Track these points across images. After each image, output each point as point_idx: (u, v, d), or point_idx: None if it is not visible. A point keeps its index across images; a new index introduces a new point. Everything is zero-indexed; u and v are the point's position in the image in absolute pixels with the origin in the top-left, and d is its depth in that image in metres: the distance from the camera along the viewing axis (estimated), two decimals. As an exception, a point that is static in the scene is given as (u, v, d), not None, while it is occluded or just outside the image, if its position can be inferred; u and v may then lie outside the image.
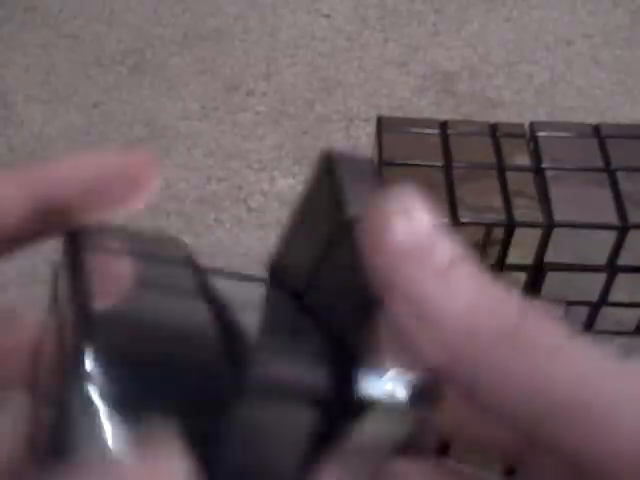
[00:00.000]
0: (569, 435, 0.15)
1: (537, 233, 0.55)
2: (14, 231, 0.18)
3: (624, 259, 0.56)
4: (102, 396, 0.16)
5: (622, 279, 0.57)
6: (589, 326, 0.60)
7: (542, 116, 0.74)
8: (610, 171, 0.57)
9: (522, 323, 0.16)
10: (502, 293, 0.16)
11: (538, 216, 0.55)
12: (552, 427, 0.15)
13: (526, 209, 0.55)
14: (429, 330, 0.16)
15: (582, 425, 0.15)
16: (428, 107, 0.75)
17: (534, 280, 0.57)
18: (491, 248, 0.56)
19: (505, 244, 0.55)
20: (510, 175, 0.57)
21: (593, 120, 0.63)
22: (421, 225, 0.17)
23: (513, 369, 0.15)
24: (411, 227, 0.17)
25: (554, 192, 0.56)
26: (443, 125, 0.60)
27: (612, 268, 0.56)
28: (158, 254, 0.19)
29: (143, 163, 0.19)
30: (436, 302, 0.16)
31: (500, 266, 0.57)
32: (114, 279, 0.17)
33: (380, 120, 0.60)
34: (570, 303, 0.53)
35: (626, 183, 0.57)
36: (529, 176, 0.57)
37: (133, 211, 0.19)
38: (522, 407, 0.16)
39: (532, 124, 0.61)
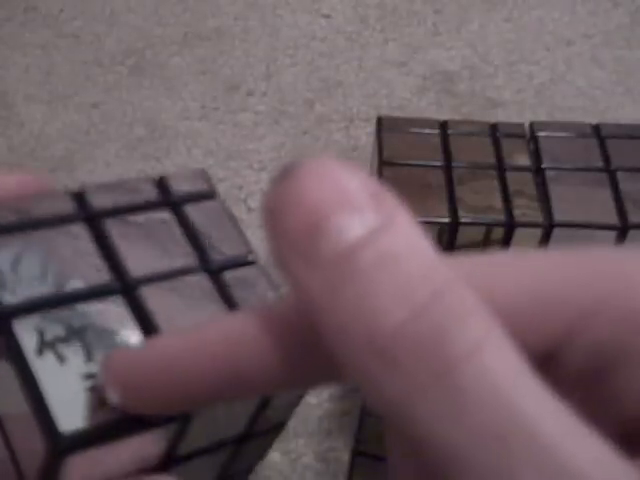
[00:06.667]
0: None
1: (537, 233, 0.55)
2: None
3: (624, 259, 0.56)
4: None
5: (622, 279, 0.57)
6: (589, 326, 0.60)
7: (542, 116, 0.74)
8: (610, 171, 0.57)
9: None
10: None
11: (538, 216, 0.55)
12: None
13: (526, 209, 0.55)
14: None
15: None
16: (428, 107, 0.75)
17: (534, 280, 0.57)
18: (491, 248, 0.56)
19: (505, 244, 0.55)
20: (510, 175, 0.57)
21: (593, 120, 0.63)
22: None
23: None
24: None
25: (554, 192, 0.56)
26: (443, 125, 0.60)
27: (612, 268, 0.56)
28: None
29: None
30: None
31: (500, 266, 0.57)
32: None
33: (380, 120, 0.60)
34: (570, 303, 0.53)
35: (626, 183, 0.57)
36: (529, 176, 0.57)
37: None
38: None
39: (532, 124, 0.61)
